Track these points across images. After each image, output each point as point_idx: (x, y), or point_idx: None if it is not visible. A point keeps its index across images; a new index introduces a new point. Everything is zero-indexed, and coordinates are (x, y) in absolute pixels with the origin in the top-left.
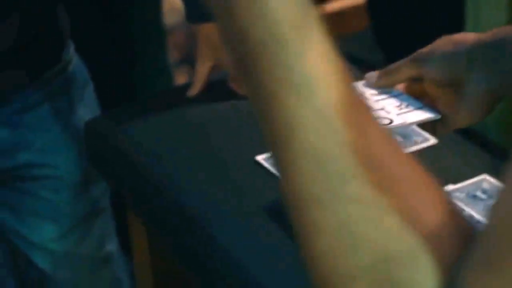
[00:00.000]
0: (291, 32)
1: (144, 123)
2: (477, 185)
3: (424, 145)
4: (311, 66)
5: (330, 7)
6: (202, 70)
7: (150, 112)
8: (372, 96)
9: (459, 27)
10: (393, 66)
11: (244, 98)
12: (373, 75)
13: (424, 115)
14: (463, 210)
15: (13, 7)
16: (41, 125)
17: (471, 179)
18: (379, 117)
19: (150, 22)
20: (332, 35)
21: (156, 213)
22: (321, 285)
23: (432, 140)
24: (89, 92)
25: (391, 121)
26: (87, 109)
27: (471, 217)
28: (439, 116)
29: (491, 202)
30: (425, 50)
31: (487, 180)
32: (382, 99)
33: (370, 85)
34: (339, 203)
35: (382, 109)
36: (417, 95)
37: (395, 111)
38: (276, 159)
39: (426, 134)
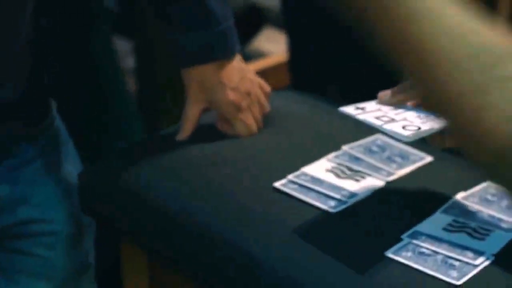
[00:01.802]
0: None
1: (145, 164)
2: (485, 190)
3: (422, 162)
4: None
5: (254, 65)
6: (193, 113)
7: (147, 154)
8: (391, 110)
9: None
10: (407, 83)
11: (236, 137)
12: (387, 93)
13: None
14: (482, 211)
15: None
16: (37, 180)
17: (477, 186)
18: None
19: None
20: None
21: (173, 250)
22: (501, 154)
23: (429, 158)
24: (71, 147)
25: (419, 128)
26: (71, 163)
27: (492, 216)
28: None
29: (504, 202)
30: None
31: (492, 186)
32: (402, 112)
33: (384, 103)
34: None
35: (405, 119)
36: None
37: (418, 120)
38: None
39: (422, 153)
